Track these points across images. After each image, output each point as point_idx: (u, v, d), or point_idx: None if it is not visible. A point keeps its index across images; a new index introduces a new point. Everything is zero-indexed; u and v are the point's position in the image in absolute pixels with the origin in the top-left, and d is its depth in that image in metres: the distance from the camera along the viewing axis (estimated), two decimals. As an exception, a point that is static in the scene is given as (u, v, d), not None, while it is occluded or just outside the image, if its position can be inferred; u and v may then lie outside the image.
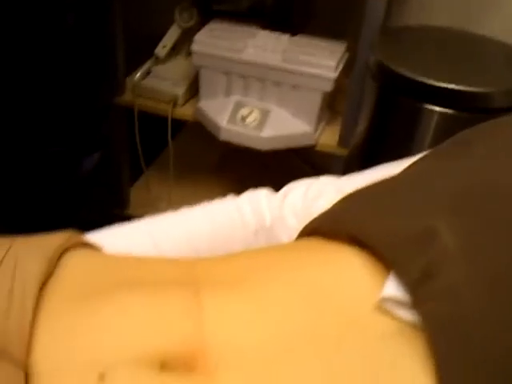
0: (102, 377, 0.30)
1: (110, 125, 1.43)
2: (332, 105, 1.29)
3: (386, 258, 0.33)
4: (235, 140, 1.22)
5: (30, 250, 0.39)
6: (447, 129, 1.04)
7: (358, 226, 0.37)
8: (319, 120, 1.22)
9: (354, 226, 0.37)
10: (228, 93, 1.25)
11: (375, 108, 1.11)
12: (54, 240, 0.41)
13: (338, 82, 1.17)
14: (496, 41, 1.16)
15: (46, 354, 0.32)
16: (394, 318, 0.31)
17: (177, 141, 1.59)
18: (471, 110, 1.02)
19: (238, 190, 0.58)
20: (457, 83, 1.00)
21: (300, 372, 0.30)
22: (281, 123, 1.21)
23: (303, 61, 1.15)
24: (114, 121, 1.49)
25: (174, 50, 1.42)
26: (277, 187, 0.58)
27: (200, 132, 1.33)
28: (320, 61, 1.14)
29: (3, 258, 0.38)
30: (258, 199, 0.56)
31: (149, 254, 0.51)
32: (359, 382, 0.29)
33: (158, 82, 1.37)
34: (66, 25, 1.28)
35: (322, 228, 0.41)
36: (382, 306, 0.32)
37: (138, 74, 1.38)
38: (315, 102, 1.18)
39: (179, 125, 1.55)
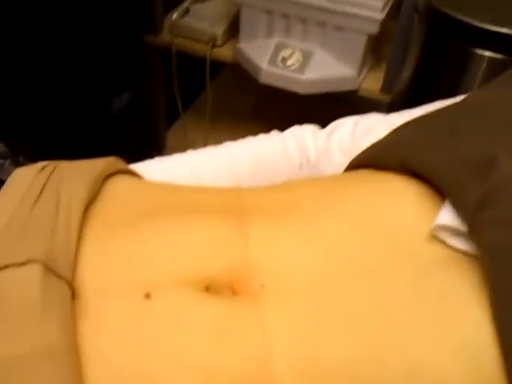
0: (147, 296, 0.29)
1: (146, 66, 1.41)
2: (377, 48, 1.24)
3: (442, 186, 0.31)
4: (275, 83, 1.20)
5: (74, 174, 0.39)
6: (496, 75, 1.00)
7: (411, 155, 0.35)
8: (363, 64, 1.19)
9: (408, 155, 0.35)
10: (269, 33, 1.22)
11: (422, 52, 1.07)
12: (97, 165, 0.41)
13: (384, 24, 1.12)
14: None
15: (92, 274, 0.32)
16: (446, 246, 0.30)
17: (214, 84, 1.57)
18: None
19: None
20: (509, 27, 0.95)
21: (345, 299, 0.29)
22: (323, 66, 1.17)
23: (348, 1, 1.10)
24: (150, 62, 1.47)
25: (214, -12, 1.38)
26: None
27: (238, 74, 1.30)
28: (366, 1, 1.10)
29: (47, 179, 0.38)
30: (303, 134, 0.55)
31: (188, 184, 0.50)
32: (406, 310, 0.28)
33: (197, 21, 1.34)
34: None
35: (372, 159, 0.39)
36: (435, 235, 0.30)
37: (177, 13, 1.35)
38: (359, 44, 1.14)
39: (217, 67, 1.53)
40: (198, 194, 0.40)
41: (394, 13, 1.14)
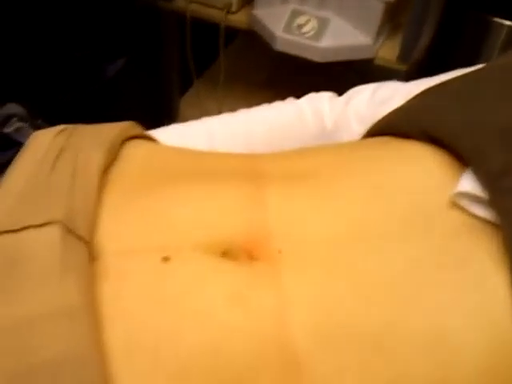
0: (166, 259, 0.30)
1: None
2: (394, 16, 1.22)
3: (463, 152, 0.31)
4: (291, 50, 1.18)
5: (92, 137, 0.39)
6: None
7: (432, 121, 0.35)
8: (380, 32, 1.17)
9: (429, 121, 0.35)
10: (284, 0, 1.20)
11: (440, 21, 1.05)
12: (115, 129, 0.41)
13: (402, -9, 1.10)
14: None
15: (111, 236, 0.32)
16: (467, 214, 0.30)
17: (229, 51, 1.56)
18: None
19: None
20: (530, -4, 0.93)
21: (365, 263, 0.29)
22: (339, 34, 1.15)
23: (366, -33, 1.08)
24: (164, 28, 1.45)
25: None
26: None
27: (253, 42, 1.29)
28: (384, -33, 1.07)
29: (65, 142, 0.38)
30: (320, 101, 0.54)
31: (202, 149, 0.50)
32: (428, 276, 0.29)
33: (212, -14, 1.32)
34: None
35: (390, 126, 0.39)
36: (456, 202, 0.30)
37: (192, -22, 1.33)
38: (376, 12, 1.12)
39: (232, 34, 1.51)
40: (215, 160, 0.40)
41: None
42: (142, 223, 0.33)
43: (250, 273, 0.30)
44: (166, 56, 1.50)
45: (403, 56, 1.16)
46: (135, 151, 0.40)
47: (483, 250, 0.28)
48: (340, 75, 1.33)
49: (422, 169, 0.33)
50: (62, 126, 0.40)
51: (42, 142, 0.38)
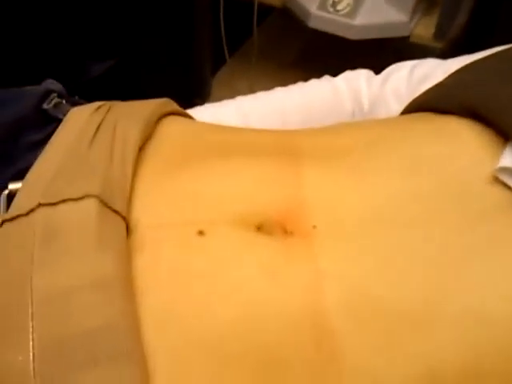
0: (201, 233, 0.30)
1: (191, 10, 1.39)
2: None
3: (505, 127, 0.31)
4: (325, 28, 1.17)
5: (129, 114, 0.39)
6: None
7: (474, 97, 0.34)
8: (415, 9, 1.14)
9: (470, 97, 0.34)
10: (319, -23, 1.18)
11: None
12: (151, 105, 0.41)
13: (440, -33, 1.08)
14: None
15: (147, 210, 0.32)
16: (507, 189, 0.29)
17: (262, 29, 1.54)
18: None
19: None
20: None
21: (398, 240, 0.29)
22: (374, 11, 1.13)
23: None
24: (198, 6, 1.45)
25: None
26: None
27: (286, 20, 1.27)
28: None
29: (103, 119, 0.38)
30: (357, 79, 0.54)
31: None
32: (464, 253, 0.28)
33: (246, -37, 1.31)
34: None
35: (430, 102, 0.38)
36: (497, 177, 0.30)
37: (225, -44, 1.32)
38: (413, -12, 1.10)
39: (265, 11, 1.50)
40: (251, 135, 0.41)
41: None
42: (178, 197, 0.33)
43: (285, 247, 0.30)
44: (198, 34, 1.50)
45: (439, 34, 1.13)
46: (171, 128, 0.40)
47: None
48: (374, 54, 1.31)
49: (461, 144, 0.33)
50: (99, 103, 0.41)
51: (80, 119, 0.39)
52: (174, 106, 0.44)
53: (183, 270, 0.29)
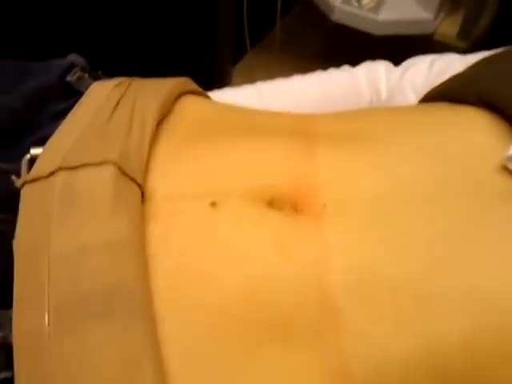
0: (214, 204, 0.31)
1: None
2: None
3: None
4: (348, 22, 1.17)
5: (148, 90, 0.40)
6: None
7: (490, 88, 0.35)
8: (440, 7, 1.14)
9: (486, 88, 0.35)
10: (345, -29, 1.18)
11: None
12: (170, 83, 0.42)
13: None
14: None
15: (162, 180, 0.33)
16: None
17: (285, 21, 1.55)
18: None
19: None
20: None
21: (406, 220, 0.30)
22: (399, 7, 1.13)
23: None
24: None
25: None
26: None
27: (310, 12, 1.27)
28: None
29: (123, 94, 0.39)
30: (376, 70, 0.54)
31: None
32: (468, 235, 0.29)
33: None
34: None
35: (447, 92, 0.39)
36: (506, 166, 0.30)
37: None
38: (439, -14, 1.09)
39: (289, 3, 1.50)
40: (267, 117, 0.41)
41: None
42: (192, 170, 0.34)
43: (295, 223, 0.30)
44: (220, 24, 1.50)
45: (463, 33, 1.13)
46: (189, 105, 0.41)
47: None
48: (396, 50, 1.31)
49: (476, 133, 0.33)
50: (120, 79, 0.42)
51: (101, 92, 0.40)
52: (193, 86, 0.45)
53: (195, 238, 0.30)
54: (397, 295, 0.28)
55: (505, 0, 1.01)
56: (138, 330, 0.27)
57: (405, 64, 0.54)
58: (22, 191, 0.32)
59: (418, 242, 0.29)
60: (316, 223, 0.31)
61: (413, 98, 0.50)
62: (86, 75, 0.43)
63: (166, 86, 0.41)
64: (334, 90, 0.53)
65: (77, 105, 0.39)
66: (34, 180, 0.32)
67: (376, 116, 0.39)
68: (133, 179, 0.32)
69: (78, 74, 0.43)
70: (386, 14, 1.13)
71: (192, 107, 0.41)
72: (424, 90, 0.49)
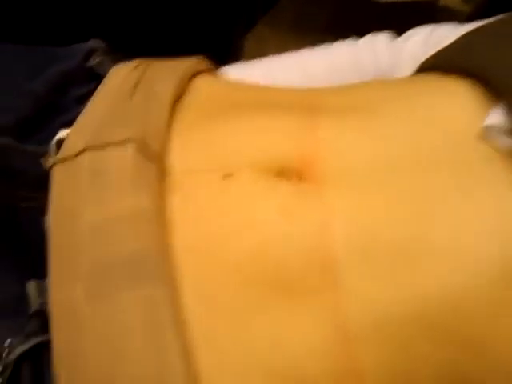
0: (226, 176, 0.34)
1: None
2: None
3: (498, 88, 0.34)
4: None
5: (164, 71, 0.44)
6: None
7: (471, 59, 0.37)
8: (446, -28, 1.15)
9: (470, 58, 0.38)
10: None
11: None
12: (185, 64, 0.45)
13: None
14: None
15: (180, 156, 0.37)
16: (494, 144, 0.33)
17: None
18: None
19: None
20: None
21: (399, 186, 0.33)
22: (405, -26, 1.14)
23: None
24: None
25: None
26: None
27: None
28: None
29: (141, 75, 0.43)
30: (378, 42, 0.56)
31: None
32: (451, 197, 0.32)
33: None
34: None
35: (437, 63, 0.42)
36: (485, 133, 0.33)
37: None
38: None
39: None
40: (275, 93, 0.44)
41: None
42: (207, 146, 0.37)
43: (299, 191, 0.34)
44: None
45: (468, -3, 1.14)
46: (202, 84, 0.45)
47: (502, 177, 0.32)
48: (404, 17, 1.32)
49: (461, 104, 0.36)
50: (137, 61, 0.45)
51: (121, 75, 0.43)
52: (207, 65, 0.48)
53: (210, 207, 0.34)
54: (390, 254, 0.31)
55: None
56: (160, 295, 0.30)
57: (405, 35, 0.56)
58: (52, 171, 0.36)
59: (411, 204, 0.33)
60: (320, 190, 0.34)
61: (411, 67, 0.53)
62: (107, 59, 0.47)
63: (180, 66, 0.45)
64: (339, 64, 0.56)
65: (98, 88, 0.42)
66: (64, 160, 0.35)
67: (373, 89, 0.42)
68: (152, 156, 0.35)
69: (98, 59, 0.46)
70: (392, -18, 1.14)
71: (205, 86, 0.45)
72: (422, 59, 0.51)
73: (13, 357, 0.32)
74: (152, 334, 0.30)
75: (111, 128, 0.37)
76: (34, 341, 0.33)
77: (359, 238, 0.32)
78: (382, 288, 0.31)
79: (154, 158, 0.35)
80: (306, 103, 0.41)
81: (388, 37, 0.57)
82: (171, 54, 0.47)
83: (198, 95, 0.43)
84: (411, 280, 0.31)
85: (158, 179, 0.35)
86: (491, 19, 0.49)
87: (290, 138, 0.37)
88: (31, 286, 0.34)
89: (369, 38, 0.57)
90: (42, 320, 0.33)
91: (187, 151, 0.37)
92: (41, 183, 0.36)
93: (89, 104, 0.41)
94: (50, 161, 0.36)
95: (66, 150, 0.37)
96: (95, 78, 0.44)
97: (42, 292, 0.34)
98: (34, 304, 0.34)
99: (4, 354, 0.32)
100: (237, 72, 0.56)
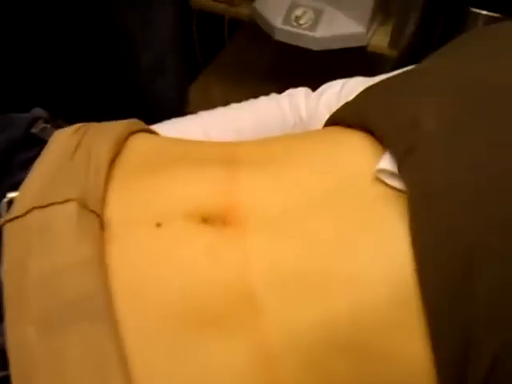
0: (158, 225, 0.39)
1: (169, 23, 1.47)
2: (384, 6, 1.29)
3: (384, 139, 0.40)
4: (290, 40, 1.26)
5: (103, 133, 0.49)
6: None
7: (366, 115, 0.44)
8: (372, 21, 1.24)
9: (364, 115, 0.44)
10: (283, -7, 1.28)
11: (423, 10, 1.13)
12: (121, 125, 0.50)
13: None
14: None
15: (116, 209, 0.42)
16: (386, 185, 0.39)
17: (234, 40, 1.63)
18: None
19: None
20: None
21: (306, 226, 0.39)
22: (334, 23, 1.23)
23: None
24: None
25: None
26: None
27: (256, 32, 1.36)
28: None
29: (82, 137, 0.47)
30: (298, 96, 0.63)
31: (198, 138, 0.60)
32: (351, 235, 0.38)
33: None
34: None
35: (339, 118, 0.48)
36: (378, 176, 0.39)
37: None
38: (368, 2, 1.19)
39: (236, 24, 1.59)
40: (202, 148, 0.50)
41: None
42: (141, 197, 0.42)
43: (223, 235, 0.39)
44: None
45: (394, 43, 1.23)
46: (137, 143, 0.50)
47: (394, 213, 0.38)
48: (336, 61, 1.41)
49: (356, 153, 0.43)
50: (77, 125, 0.50)
51: (63, 138, 0.48)
52: (141, 125, 0.53)
53: (144, 253, 0.38)
54: (302, 284, 0.37)
55: (423, 11, 1.12)
56: (101, 331, 0.35)
57: (320, 89, 0.63)
58: (3, 228, 0.40)
59: (319, 241, 0.38)
60: (241, 233, 0.39)
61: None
62: (49, 125, 0.51)
63: (117, 128, 0.50)
64: (265, 119, 0.62)
65: (42, 152, 0.47)
66: (14, 218, 0.40)
67: (289, 141, 0.48)
68: (93, 211, 0.40)
69: (41, 126, 0.50)
70: (322, 31, 1.23)
71: (140, 144, 0.50)
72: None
73: None
74: (97, 366, 0.34)
75: (54, 188, 0.42)
76: None
77: (274, 271, 0.37)
78: (297, 311, 0.36)
79: (95, 213, 0.40)
80: (228, 156, 0.46)
81: (306, 91, 0.64)
82: (110, 117, 0.52)
83: (132, 153, 0.48)
84: (320, 304, 0.36)
85: (99, 231, 0.39)
86: (389, 74, 0.56)
87: (215, 187, 0.42)
88: None
89: (290, 93, 0.64)
90: (2, 357, 0.37)
91: (124, 204, 0.42)
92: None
93: (33, 168, 0.45)
94: (1, 220, 0.40)
95: (15, 210, 0.41)
96: (39, 143, 0.49)
97: (2, 333, 0.37)
98: None
99: None
100: (171, 128, 0.62)
